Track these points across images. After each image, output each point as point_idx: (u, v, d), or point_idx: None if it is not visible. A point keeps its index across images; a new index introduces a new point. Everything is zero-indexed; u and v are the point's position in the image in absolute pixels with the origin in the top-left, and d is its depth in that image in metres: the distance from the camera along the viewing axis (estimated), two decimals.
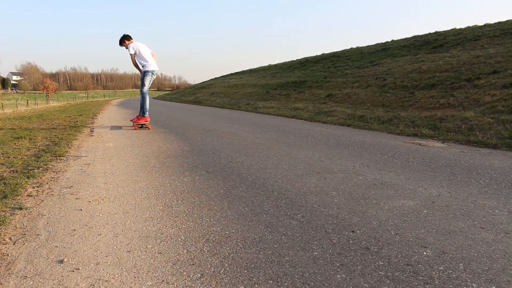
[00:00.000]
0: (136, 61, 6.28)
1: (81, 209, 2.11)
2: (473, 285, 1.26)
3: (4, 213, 2.03)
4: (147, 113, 6.40)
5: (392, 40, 18.18)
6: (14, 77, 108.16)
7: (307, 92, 12.73)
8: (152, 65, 6.34)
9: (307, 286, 1.28)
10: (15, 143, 4.47)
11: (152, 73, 6.42)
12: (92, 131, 5.94)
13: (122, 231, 1.79)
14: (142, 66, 6.31)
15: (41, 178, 2.82)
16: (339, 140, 4.49)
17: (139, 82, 6.61)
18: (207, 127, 6.49)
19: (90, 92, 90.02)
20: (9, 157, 3.56)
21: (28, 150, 4.03)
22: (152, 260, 1.49)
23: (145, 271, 1.40)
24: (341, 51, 20.37)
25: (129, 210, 2.09)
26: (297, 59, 24.60)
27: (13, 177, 2.78)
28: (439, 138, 4.39)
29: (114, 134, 5.70)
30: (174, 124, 7.21)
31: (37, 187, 2.58)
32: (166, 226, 1.84)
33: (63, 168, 3.19)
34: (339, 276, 1.34)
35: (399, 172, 2.82)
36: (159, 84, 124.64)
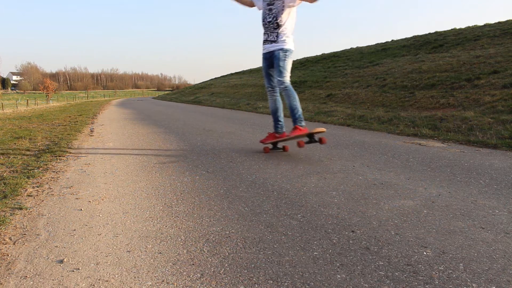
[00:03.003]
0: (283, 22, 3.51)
1: (81, 209, 2.11)
2: (473, 285, 1.26)
3: (4, 213, 2.03)
4: (303, 120, 3.53)
5: (392, 40, 18.19)
6: (14, 77, 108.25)
7: (307, 92, 12.72)
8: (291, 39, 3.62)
9: (307, 286, 1.28)
10: (15, 143, 4.47)
11: (291, 53, 3.59)
12: (92, 131, 5.94)
13: (122, 231, 1.79)
14: (280, 38, 3.54)
15: (41, 178, 2.82)
16: (339, 140, 4.49)
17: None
18: (207, 127, 6.49)
19: (90, 92, 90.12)
20: (9, 157, 3.56)
21: (28, 150, 4.03)
22: (152, 260, 1.49)
23: (145, 271, 1.40)
24: (341, 51, 20.36)
25: (129, 210, 2.09)
26: (297, 59, 24.59)
27: (13, 177, 2.78)
28: (439, 138, 4.38)
29: (114, 134, 5.70)
30: (174, 124, 7.21)
31: (37, 187, 2.58)
32: (166, 226, 1.84)
33: (63, 168, 3.19)
34: (339, 276, 1.34)
35: (399, 172, 2.82)
36: (159, 84, 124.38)
